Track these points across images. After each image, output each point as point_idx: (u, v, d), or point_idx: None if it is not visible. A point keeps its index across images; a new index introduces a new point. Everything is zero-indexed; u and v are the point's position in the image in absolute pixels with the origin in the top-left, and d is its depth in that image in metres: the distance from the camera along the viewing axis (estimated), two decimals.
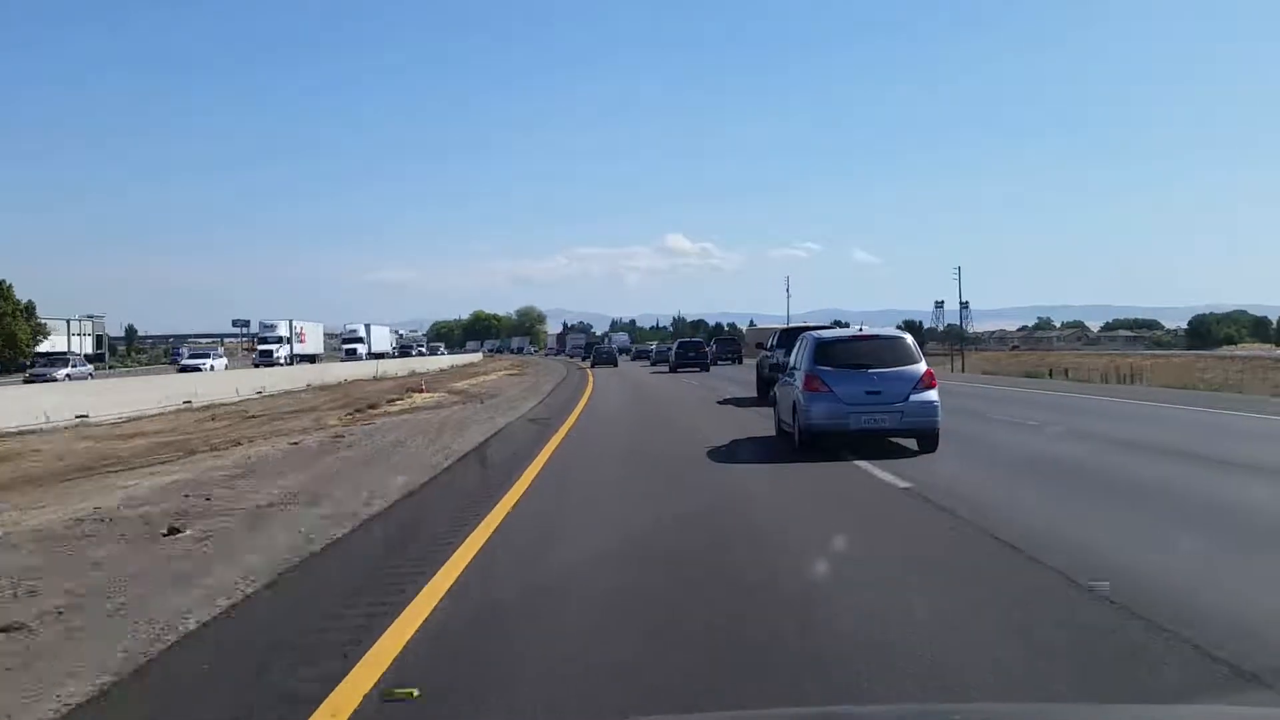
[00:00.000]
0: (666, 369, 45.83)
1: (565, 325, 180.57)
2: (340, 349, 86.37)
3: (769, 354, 23.46)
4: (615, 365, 57.39)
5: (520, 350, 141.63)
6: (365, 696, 3.66)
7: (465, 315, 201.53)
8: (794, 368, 12.84)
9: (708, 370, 42.88)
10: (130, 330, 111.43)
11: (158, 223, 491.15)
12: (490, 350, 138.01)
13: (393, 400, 25.72)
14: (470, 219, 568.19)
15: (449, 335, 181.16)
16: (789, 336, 24.35)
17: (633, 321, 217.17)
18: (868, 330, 13.63)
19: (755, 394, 23.50)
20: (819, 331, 13.74)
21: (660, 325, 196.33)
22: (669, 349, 53.79)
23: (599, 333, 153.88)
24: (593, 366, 54.75)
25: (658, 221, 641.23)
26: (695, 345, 48.24)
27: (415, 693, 3.67)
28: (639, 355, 79.77)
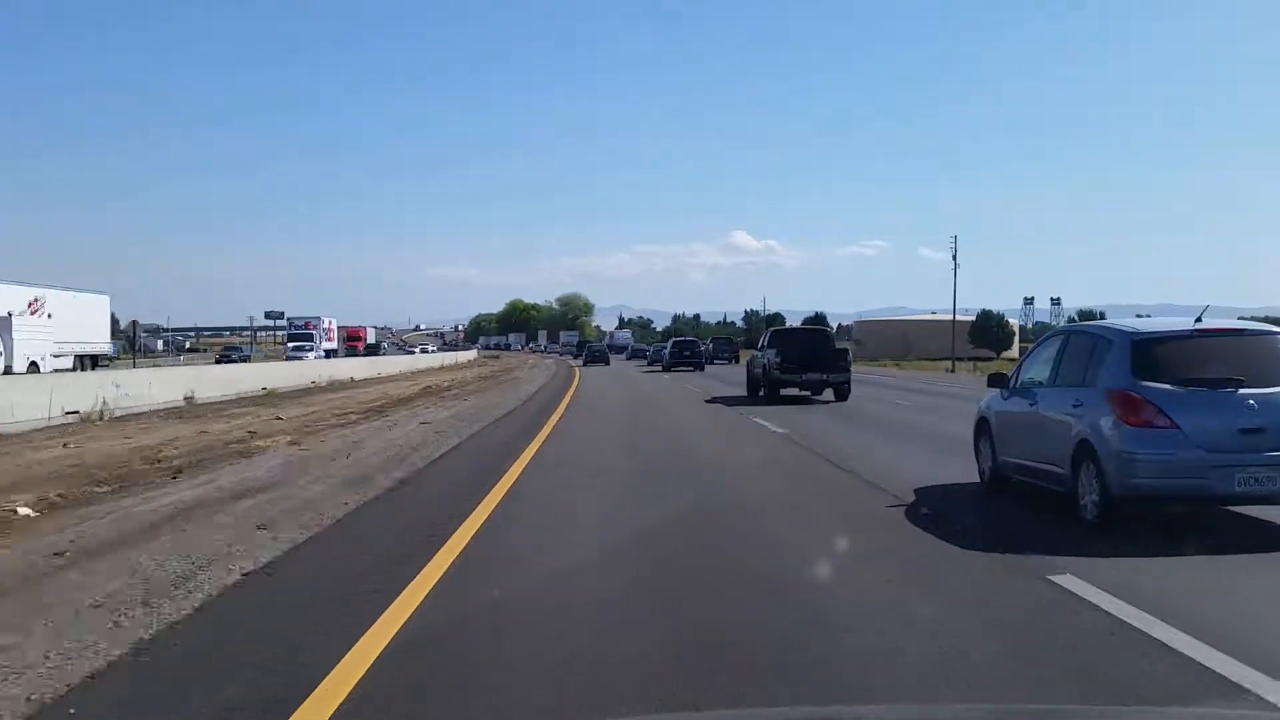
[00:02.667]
0: (660, 368, 47.19)
1: (620, 319, 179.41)
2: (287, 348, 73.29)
3: (759, 353, 23.86)
4: (607, 364, 59.20)
5: (510, 347, 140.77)
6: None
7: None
8: (1056, 378, 8.23)
9: (702, 370, 43.67)
10: (132, 324, 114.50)
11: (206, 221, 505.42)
12: (493, 347, 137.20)
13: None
14: (531, 216, 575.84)
15: (488, 329, 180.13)
16: (780, 336, 24.57)
17: (697, 317, 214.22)
18: (1221, 323, 7.88)
19: (745, 392, 24.67)
20: (1130, 324, 8.18)
21: (728, 320, 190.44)
22: (663, 348, 54.98)
23: (658, 329, 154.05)
24: (585, 364, 57.12)
25: (722, 219, 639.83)
26: (690, 344, 49.10)
27: None
28: (635, 354, 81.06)
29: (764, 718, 3.36)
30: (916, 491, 8.91)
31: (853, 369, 24.00)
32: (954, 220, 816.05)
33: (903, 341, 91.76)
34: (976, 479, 9.41)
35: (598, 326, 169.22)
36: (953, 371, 54.06)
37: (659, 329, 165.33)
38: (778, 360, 21.97)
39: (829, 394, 22.22)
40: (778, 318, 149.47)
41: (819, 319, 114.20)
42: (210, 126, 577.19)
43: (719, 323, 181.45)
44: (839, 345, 25.23)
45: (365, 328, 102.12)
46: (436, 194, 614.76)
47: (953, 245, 67.49)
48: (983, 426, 9.47)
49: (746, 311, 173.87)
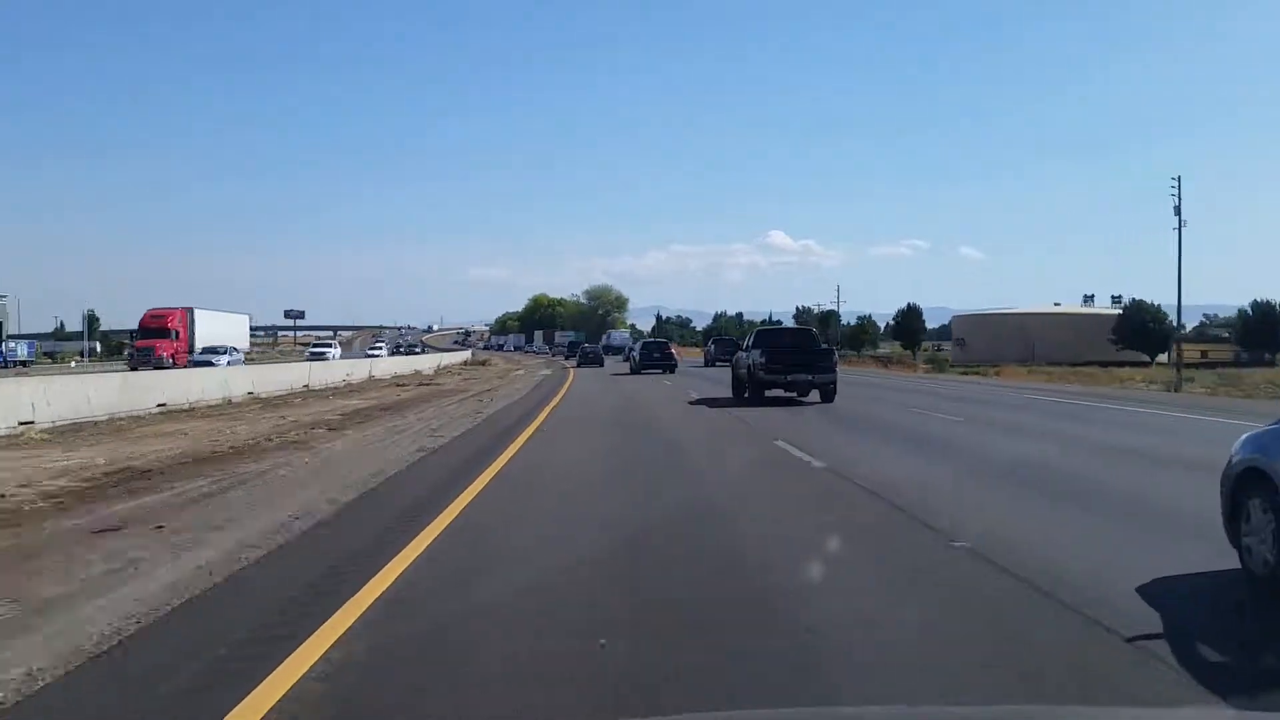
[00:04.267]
0: (632, 371, 46.33)
1: (658, 317, 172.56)
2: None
3: (744, 354, 23.59)
4: (601, 365, 60.13)
5: (502, 347, 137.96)
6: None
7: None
8: None
9: (673, 371, 43.97)
10: (91, 316, 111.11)
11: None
12: (493, 348, 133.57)
13: None
14: (566, 216, 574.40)
15: (513, 328, 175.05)
16: (766, 336, 24.79)
17: (739, 315, 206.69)
18: None
19: (731, 394, 24.49)
20: None
21: (774, 318, 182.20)
22: (633, 349, 55.20)
23: (697, 328, 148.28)
24: (578, 366, 58.84)
25: (759, 219, 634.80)
26: (660, 345, 49.53)
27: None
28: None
29: (762, 718, 3.40)
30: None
31: (970, 382, 23.74)
32: (987, 220, 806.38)
33: (1020, 339, 73.00)
34: (1231, 568, 5.75)
35: (633, 325, 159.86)
36: (1177, 390, 32.26)
37: (698, 328, 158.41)
38: (762, 360, 21.84)
39: (863, 401, 22.29)
40: (832, 315, 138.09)
41: (912, 311, 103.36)
42: (257, 131, 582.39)
43: (764, 320, 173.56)
44: (824, 345, 24.78)
45: (177, 312, 55.60)
46: (476, 195, 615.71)
47: (1178, 216, 44.83)
48: (1250, 483, 5.68)
49: (798, 308, 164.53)
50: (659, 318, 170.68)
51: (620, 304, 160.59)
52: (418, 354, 74.56)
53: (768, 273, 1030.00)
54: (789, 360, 21.82)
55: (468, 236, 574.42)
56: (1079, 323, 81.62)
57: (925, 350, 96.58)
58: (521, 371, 50.14)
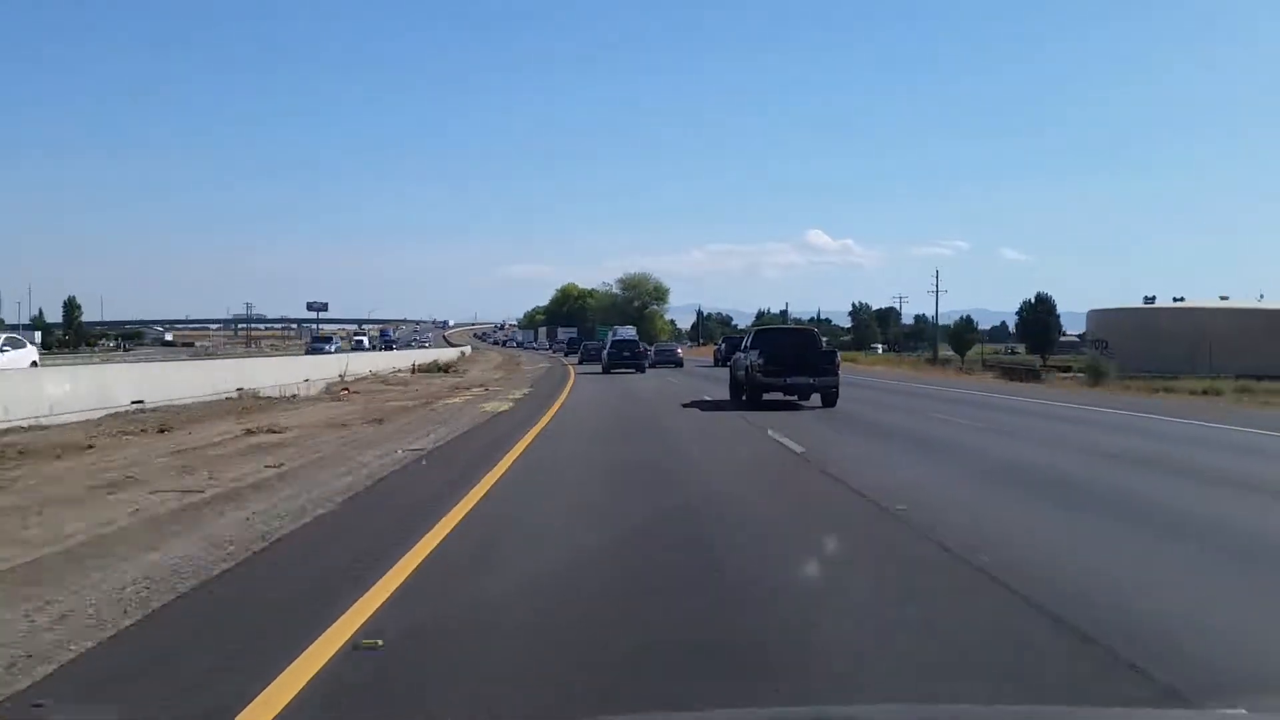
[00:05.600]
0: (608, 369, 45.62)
1: (699, 313, 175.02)
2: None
3: (743, 354, 22.92)
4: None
5: (507, 343, 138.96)
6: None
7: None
8: None
9: (643, 371, 43.91)
10: (70, 303, 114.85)
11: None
12: (499, 343, 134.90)
13: None
14: (603, 214, 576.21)
15: (541, 323, 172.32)
16: (764, 336, 23.64)
17: (784, 311, 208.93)
18: None
19: (729, 395, 24.04)
20: None
21: (822, 316, 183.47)
22: (601, 346, 54.87)
23: (738, 326, 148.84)
24: (580, 363, 59.77)
25: (798, 218, 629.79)
26: (629, 344, 48.76)
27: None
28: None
29: (761, 717, 3.41)
30: None
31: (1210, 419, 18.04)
32: (1030, 221, 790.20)
33: (1186, 342, 55.42)
34: None
35: (672, 321, 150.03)
36: None
37: (738, 326, 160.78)
38: (760, 362, 21.11)
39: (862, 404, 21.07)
40: (891, 312, 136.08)
41: (1042, 303, 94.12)
42: (301, 128, 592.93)
43: (812, 318, 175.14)
44: (827, 348, 23.69)
45: None
46: (517, 193, 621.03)
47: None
48: None
49: (854, 305, 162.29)
50: (699, 314, 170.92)
51: (660, 294, 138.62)
52: (394, 350, 72.59)
53: (807, 271, 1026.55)
54: (788, 362, 21.17)
55: (508, 234, 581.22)
56: (1263, 323, 62.20)
57: (996, 354, 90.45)
58: (479, 390, 28.81)
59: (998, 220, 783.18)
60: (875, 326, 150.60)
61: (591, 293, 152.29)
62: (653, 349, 61.18)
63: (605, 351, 48.32)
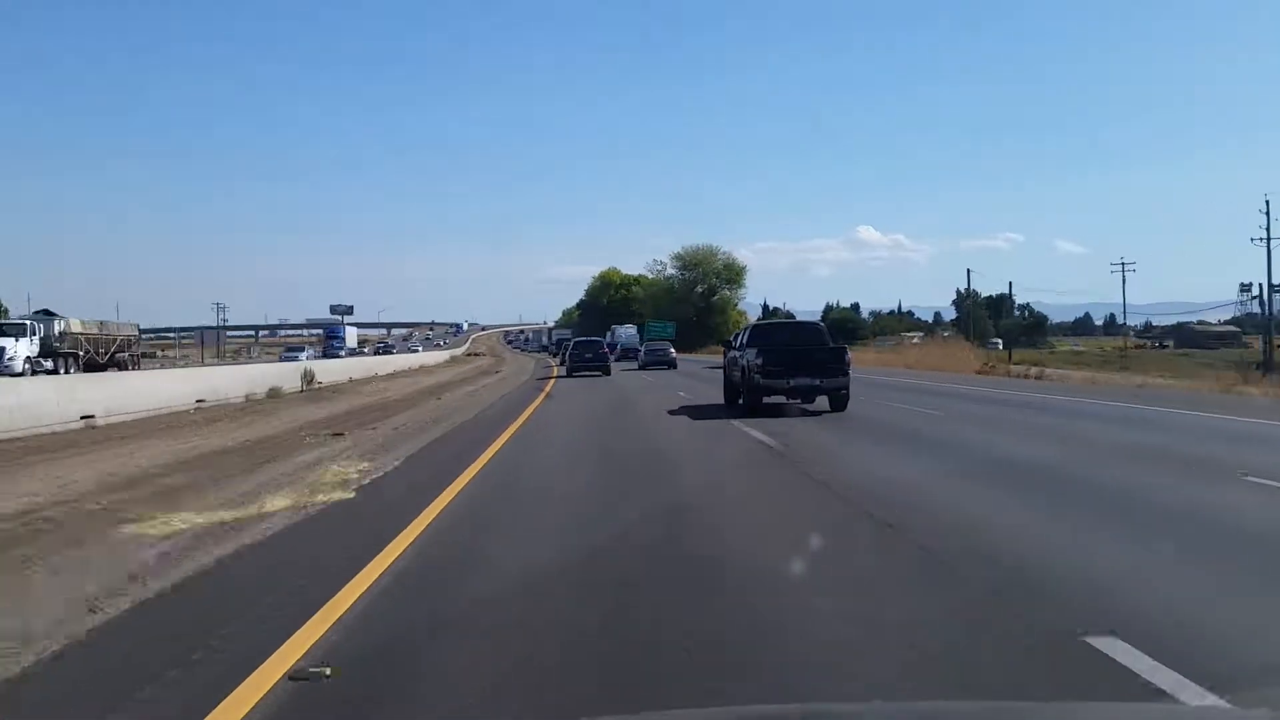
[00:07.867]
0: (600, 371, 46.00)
1: (765, 307, 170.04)
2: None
3: (739, 353, 21.48)
4: (607, 373, 59.83)
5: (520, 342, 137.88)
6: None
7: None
8: None
9: (608, 374, 43.76)
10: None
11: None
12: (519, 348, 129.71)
13: None
14: (651, 214, 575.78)
15: (574, 321, 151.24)
16: (763, 333, 22.49)
17: (855, 305, 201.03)
18: None
19: (723, 399, 22.61)
20: None
21: (889, 312, 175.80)
22: (567, 345, 55.78)
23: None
24: (561, 365, 57.14)
25: (847, 214, 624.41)
26: (592, 345, 49.08)
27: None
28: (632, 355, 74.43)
29: (760, 716, 3.40)
30: None
31: None
32: (1091, 212, 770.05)
33: None
34: None
35: (744, 314, 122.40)
36: None
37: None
38: (759, 362, 19.41)
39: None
40: (1003, 299, 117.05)
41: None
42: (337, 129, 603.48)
43: (892, 311, 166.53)
44: (835, 344, 21.46)
45: None
46: (563, 192, 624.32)
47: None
48: None
49: (958, 291, 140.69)
50: (765, 306, 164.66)
51: (733, 273, 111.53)
52: (392, 354, 75.80)
53: (857, 268, 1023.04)
54: (792, 361, 19.44)
55: (551, 236, 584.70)
56: None
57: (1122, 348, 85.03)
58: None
59: (1052, 212, 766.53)
60: (986, 318, 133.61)
61: (638, 279, 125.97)
62: (643, 349, 60.31)
63: (568, 354, 48.82)
